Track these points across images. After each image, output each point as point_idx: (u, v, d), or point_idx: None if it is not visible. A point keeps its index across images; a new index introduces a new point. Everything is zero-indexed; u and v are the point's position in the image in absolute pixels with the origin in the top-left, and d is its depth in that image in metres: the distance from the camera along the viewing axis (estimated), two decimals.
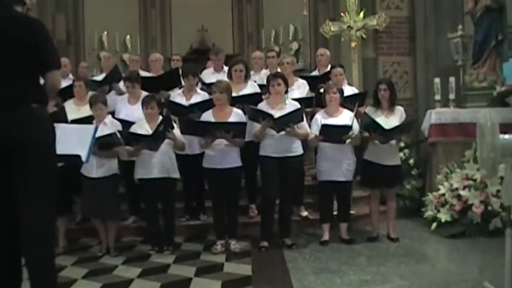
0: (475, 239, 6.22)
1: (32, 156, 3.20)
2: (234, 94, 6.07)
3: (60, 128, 3.75)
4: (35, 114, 3.28)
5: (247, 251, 5.94)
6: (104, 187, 5.77)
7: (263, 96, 6.33)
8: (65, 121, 5.56)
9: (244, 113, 5.96)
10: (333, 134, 5.93)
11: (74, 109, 6.42)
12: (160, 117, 5.85)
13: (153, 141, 5.71)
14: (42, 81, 3.44)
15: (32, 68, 3.30)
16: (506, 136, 4.20)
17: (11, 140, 3.15)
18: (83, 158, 3.92)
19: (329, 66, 7.14)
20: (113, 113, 6.38)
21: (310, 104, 6.53)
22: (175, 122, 5.97)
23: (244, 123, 5.83)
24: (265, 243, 5.95)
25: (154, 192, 5.88)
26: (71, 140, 3.87)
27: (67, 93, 6.67)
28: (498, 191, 6.25)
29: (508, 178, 4.27)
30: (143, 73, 7.55)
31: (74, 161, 4.02)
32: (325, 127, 5.88)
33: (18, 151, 3.17)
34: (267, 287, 4.82)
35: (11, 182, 3.22)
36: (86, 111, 6.17)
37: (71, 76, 7.55)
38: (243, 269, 5.28)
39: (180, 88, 6.75)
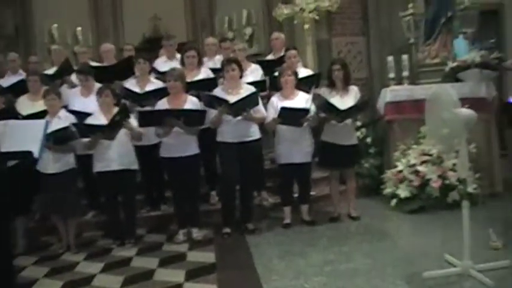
0: (434, 213, 6.33)
1: None
2: (187, 80, 6.01)
3: (9, 125, 3.64)
4: None
5: (210, 238, 5.93)
6: (62, 183, 5.67)
7: (218, 81, 6.30)
8: (15, 117, 5.42)
9: (199, 100, 5.92)
10: (291, 117, 5.93)
11: (28, 104, 6.29)
12: (116, 108, 5.76)
13: (109, 130, 5.63)
14: None
15: None
16: (463, 110, 4.28)
17: None
18: (35, 154, 3.82)
19: (283, 49, 7.12)
20: (66, 107, 6.25)
21: (264, 88, 6.54)
22: (131, 112, 5.90)
23: (204, 111, 5.78)
24: (228, 230, 5.96)
25: (114, 185, 5.80)
26: (22, 136, 3.76)
27: (18, 88, 6.51)
28: (454, 164, 6.37)
29: (462, 152, 4.35)
30: (95, 64, 7.41)
31: (27, 157, 3.92)
32: (283, 110, 5.86)
33: None
34: (232, 273, 4.83)
35: None
36: (40, 106, 6.03)
37: (21, 72, 7.36)
38: (207, 256, 5.28)
39: (134, 78, 6.65)
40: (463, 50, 7.53)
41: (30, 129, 4.00)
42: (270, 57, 7.57)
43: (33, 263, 5.52)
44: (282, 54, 7.03)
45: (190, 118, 5.71)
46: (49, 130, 4.88)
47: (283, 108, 5.88)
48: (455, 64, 7.27)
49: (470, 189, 5.98)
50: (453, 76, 7.27)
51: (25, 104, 6.28)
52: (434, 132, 4.55)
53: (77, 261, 5.47)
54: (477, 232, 4.62)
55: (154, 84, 6.46)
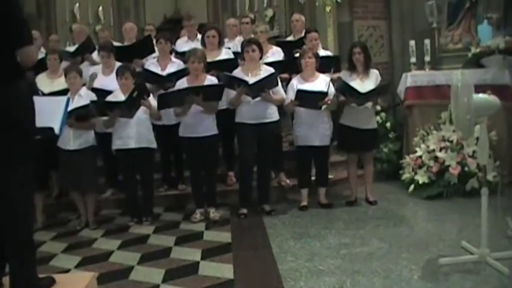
0: (452, 200, 6.29)
1: (16, 132, 3.13)
2: (208, 60, 5.99)
3: None
4: (17, 90, 3.19)
5: (227, 218, 5.96)
6: (82, 159, 5.73)
7: (239, 62, 6.28)
8: (37, 94, 5.46)
9: (219, 81, 5.91)
10: (309, 99, 5.91)
11: (47, 82, 6.33)
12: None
13: (127, 108, 5.66)
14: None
15: (6, 42, 3.21)
16: (480, 95, 4.23)
17: None
18: (56, 131, 3.85)
19: (304, 31, 7.07)
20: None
21: (285, 70, 6.50)
22: (151, 92, 5.93)
23: (222, 85, 5.79)
24: (245, 210, 5.98)
25: (132, 163, 5.85)
26: (43, 113, 3.78)
27: (39, 66, 6.54)
28: (474, 151, 6.32)
29: (483, 138, 4.30)
30: (116, 43, 7.44)
31: (48, 133, 3.96)
32: (300, 93, 5.85)
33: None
34: (247, 253, 4.85)
35: None
36: (60, 84, 6.09)
37: (42, 50, 7.39)
38: (223, 236, 5.31)
39: (154, 58, 6.67)
40: (487, 35, 7.42)
41: (51, 105, 4.02)
42: (289, 38, 7.53)
43: (52, 239, 5.60)
44: (301, 35, 6.99)
45: (209, 93, 5.70)
46: (70, 108, 4.92)
47: (299, 91, 5.86)
48: (478, 50, 7.16)
49: (489, 177, 5.93)
50: (476, 62, 7.16)
51: (44, 82, 6.31)
52: (456, 117, 4.50)
53: (95, 238, 5.54)
54: (495, 220, 4.58)
55: (175, 63, 6.49)
